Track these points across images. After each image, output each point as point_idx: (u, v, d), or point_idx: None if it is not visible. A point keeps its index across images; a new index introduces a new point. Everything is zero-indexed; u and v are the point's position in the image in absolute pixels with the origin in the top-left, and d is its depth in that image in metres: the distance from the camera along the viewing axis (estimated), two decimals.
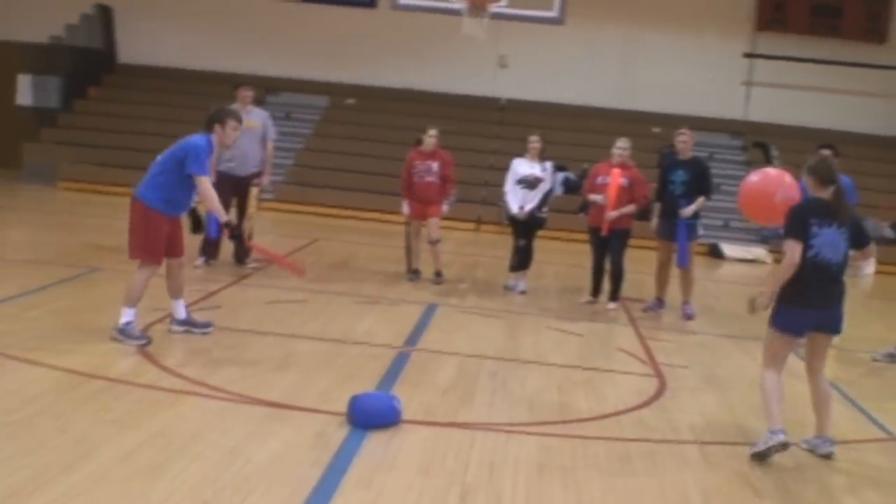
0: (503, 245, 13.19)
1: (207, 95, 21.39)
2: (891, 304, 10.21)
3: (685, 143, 10.67)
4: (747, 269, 16.95)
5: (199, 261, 11.07)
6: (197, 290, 9.76)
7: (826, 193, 6.17)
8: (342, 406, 6.08)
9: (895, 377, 9.16)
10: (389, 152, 20.31)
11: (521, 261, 11.48)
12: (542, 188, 11.23)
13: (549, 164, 11.43)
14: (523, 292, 11.36)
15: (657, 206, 10.82)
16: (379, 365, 7.50)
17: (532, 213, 11.21)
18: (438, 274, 11.65)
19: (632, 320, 10.36)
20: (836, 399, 7.88)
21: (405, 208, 11.54)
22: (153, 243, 7.65)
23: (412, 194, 11.47)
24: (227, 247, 11.27)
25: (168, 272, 7.95)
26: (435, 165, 11.46)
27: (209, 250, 11.16)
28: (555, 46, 21.98)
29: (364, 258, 13.42)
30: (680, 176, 10.60)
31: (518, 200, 11.25)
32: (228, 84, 20.36)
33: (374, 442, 5.66)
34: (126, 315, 7.44)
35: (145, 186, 7.58)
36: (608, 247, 10.75)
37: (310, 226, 16.39)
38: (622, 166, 10.70)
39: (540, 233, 11.60)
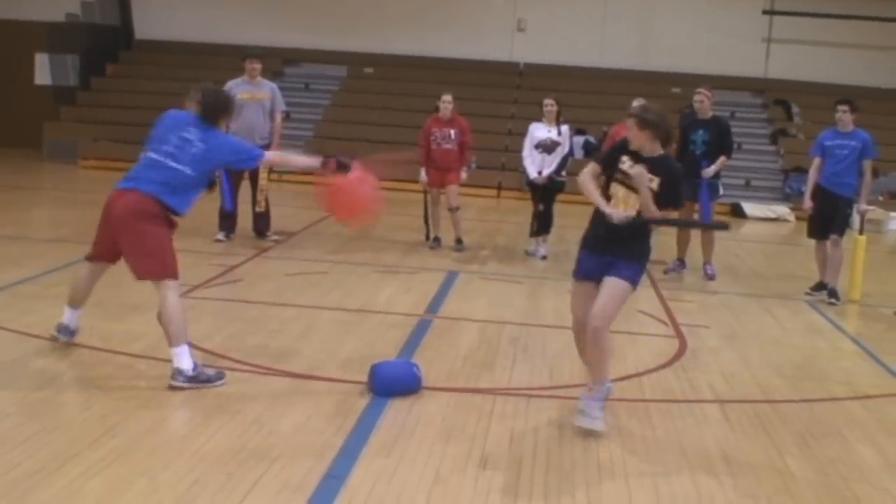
0: (524, 210, 13.19)
1: (226, 69, 21.23)
2: None
3: (703, 102, 10.61)
4: (770, 228, 16.85)
5: (221, 234, 11.15)
6: (217, 264, 9.86)
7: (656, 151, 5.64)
8: (363, 375, 6.13)
9: None
10: (409, 120, 20.26)
11: (542, 225, 11.49)
12: (560, 152, 11.20)
13: (566, 128, 11.39)
14: (544, 257, 11.37)
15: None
16: (400, 333, 7.54)
17: (551, 178, 11.19)
18: (459, 241, 11.67)
19: (653, 282, 10.34)
20: (858, 355, 7.94)
21: (423, 176, 11.54)
22: (171, 250, 6.29)
23: (431, 162, 11.49)
24: (245, 221, 11.33)
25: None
26: (453, 132, 11.45)
27: (227, 224, 11.22)
28: (572, 9, 21.86)
29: (384, 227, 13.33)
30: (700, 136, 10.56)
31: (536, 165, 11.24)
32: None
33: (395, 409, 5.70)
34: (183, 356, 5.88)
35: (167, 187, 6.08)
36: None
37: None
38: None
39: (560, 197, 11.59)
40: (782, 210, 17.66)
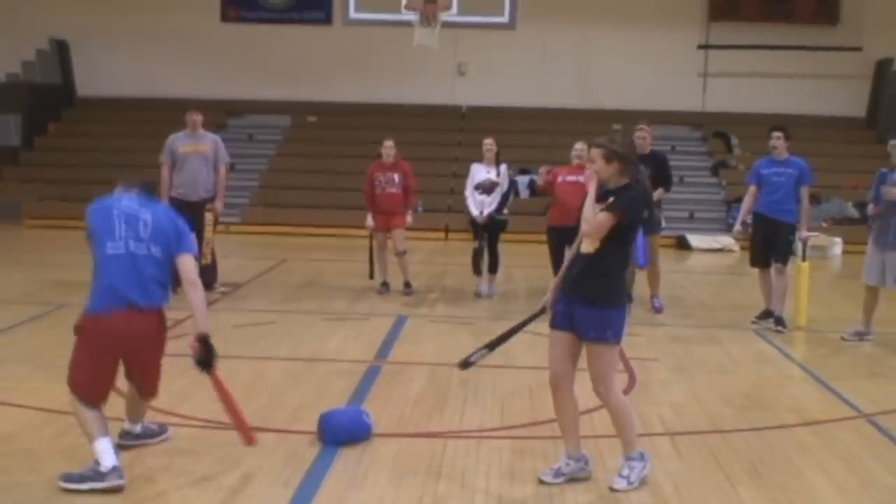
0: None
1: (169, 123, 21.26)
2: (857, 283, 10.31)
3: (644, 138, 10.74)
4: (715, 259, 17.05)
5: None
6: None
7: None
8: (312, 425, 6.09)
9: (863, 355, 9.24)
10: (354, 167, 20.21)
11: (490, 265, 11.57)
12: (499, 191, 11.36)
13: (504, 167, 11.52)
14: (490, 296, 11.45)
15: None
16: (349, 380, 7.51)
17: (492, 216, 11.30)
18: (408, 285, 11.69)
19: None
20: (806, 381, 8.03)
21: (369, 221, 11.58)
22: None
23: (376, 206, 11.53)
24: None
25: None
26: (396, 176, 11.52)
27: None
28: (511, 51, 22.09)
29: (332, 274, 13.41)
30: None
31: (477, 205, 11.37)
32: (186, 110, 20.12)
33: (346, 458, 5.68)
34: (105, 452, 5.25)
35: (149, 287, 5.75)
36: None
37: (277, 246, 16.35)
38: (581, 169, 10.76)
39: (506, 236, 11.67)
40: (727, 240, 17.86)
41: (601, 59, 22.38)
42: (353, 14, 13.60)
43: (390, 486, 5.21)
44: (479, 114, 21.92)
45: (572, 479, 5.34)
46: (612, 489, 5.23)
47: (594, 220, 5.13)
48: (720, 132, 21.64)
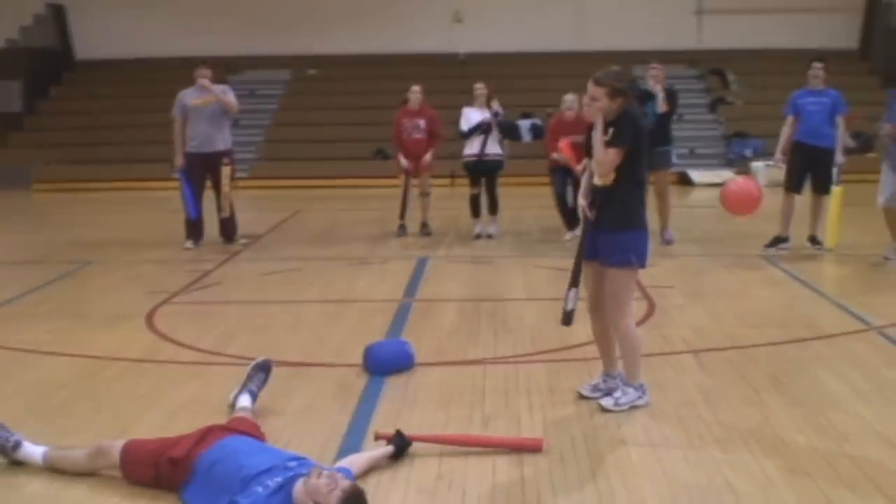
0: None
1: (169, 81, 21.38)
2: (861, 209, 10.71)
3: (656, 76, 11.01)
4: (715, 193, 17.27)
5: (189, 243, 11.35)
6: (192, 270, 10.11)
7: None
8: (357, 358, 6.43)
9: (866, 273, 9.65)
10: (358, 118, 20.63)
11: (491, 206, 11.89)
12: (495, 132, 11.64)
13: (495, 104, 11.74)
14: (490, 236, 11.77)
15: None
16: (384, 318, 7.85)
17: (494, 156, 11.67)
18: (425, 225, 12.07)
19: None
20: (816, 299, 8.39)
21: (403, 162, 11.86)
22: None
23: (403, 151, 11.83)
24: (211, 227, 11.55)
25: None
26: (422, 122, 11.86)
27: (194, 232, 11.41)
28: None
29: (347, 223, 13.73)
30: (651, 107, 10.96)
31: (476, 148, 11.61)
32: (187, 68, 20.50)
33: (393, 386, 6.02)
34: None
35: None
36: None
37: (288, 199, 16.64)
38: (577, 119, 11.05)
39: (510, 179, 11.95)
40: (727, 175, 18.11)
41: (597, 1, 22.51)
42: None
43: (440, 408, 5.54)
44: (478, 60, 22.08)
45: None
46: (600, 406, 5.49)
47: (605, 158, 5.30)
48: (716, 69, 21.85)
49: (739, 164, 18.83)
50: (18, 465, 4.80)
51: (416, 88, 11.98)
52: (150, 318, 7.92)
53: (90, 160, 19.53)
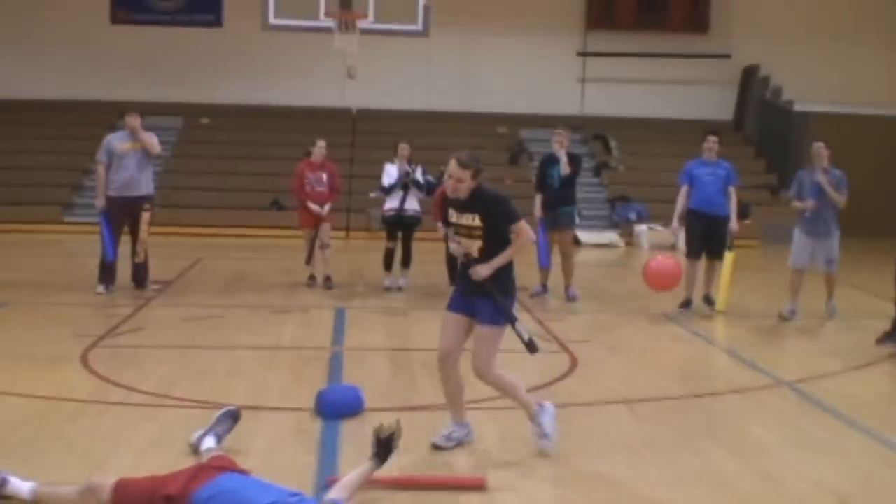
0: (376, 248, 13.67)
1: (57, 124, 21.33)
2: (743, 273, 11.48)
3: (560, 142, 11.57)
4: (604, 253, 18.11)
5: (100, 288, 11.25)
6: (111, 314, 10.11)
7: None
8: (303, 402, 6.65)
9: (764, 330, 10.34)
10: (250, 168, 20.75)
11: (404, 259, 12.20)
12: (416, 190, 11.99)
13: (419, 168, 12.15)
14: (400, 288, 12.07)
15: (539, 199, 11.72)
16: (320, 364, 8.06)
17: (413, 212, 12.01)
18: (328, 279, 12.23)
19: (523, 306, 11.17)
20: (724, 356, 8.96)
21: (315, 207, 12.06)
22: None
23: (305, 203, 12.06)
24: (123, 272, 11.51)
25: None
26: (324, 175, 12.08)
27: (108, 276, 11.35)
28: (399, 55, 22.67)
29: (255, 272, 13.84)
30: (557, 171, 11.50)
31: (395, 202, 11.97)
32: (79, 112, 20.37)
33: (349, 429, 6.23)
34: None
35: None
36: None
37: (186, 247, 16.54)
38: None
39: (420, 234, 12.35)
40: (612, 236, 19.01)
41: (485, 64, 23.25)
42: (273, 20, 13.96)
43: (405, 451, 5.73)
44: (370, 116, 22.52)
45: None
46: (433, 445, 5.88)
47: (524, 240, 5.81)
48: (599, 134, 22.76)
49: (624, 227, 19.66)
50: (5, 499, 4.85)
51: (321, 143, 12.25)
52: (84, 360, 7.93)
53: None
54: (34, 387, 7.05)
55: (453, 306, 6.03)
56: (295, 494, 4.53)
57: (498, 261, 5.79)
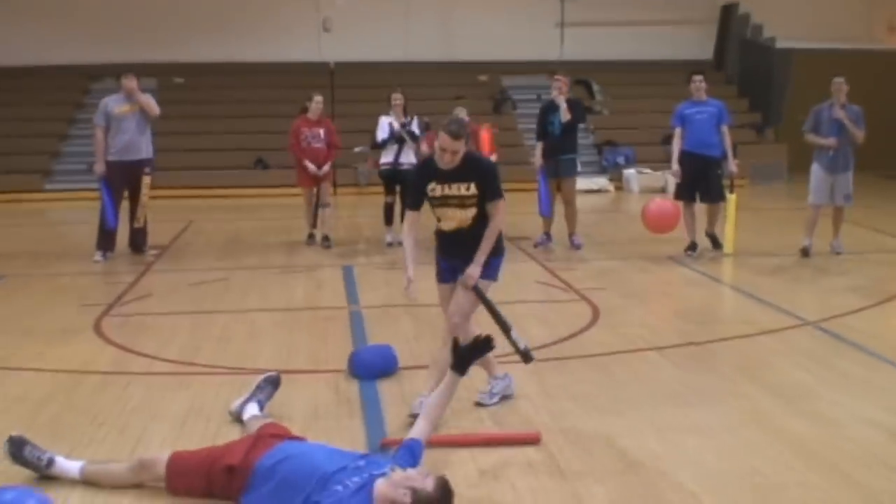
0: (366, 204, 13.53)
1: (27, 89, 20.84)
2: (760, 212, 11.42)
3: (559, 88, 11.40)
4: (596, 199, 17.94)
5: (98, 255, 11.04)
6: (115, 282, 9.93)
7: None
8: (336, 364, 6.53)
9: (769, 271, 10.22)
10: (228, 126, 20.43)
11: (403, 213, 11.99)
12: (411, 141, 11.81)
13: (415, 119, 11.95)
14: (402, 243, 11.87)
15: (540, 147, 11.58)
16: (341, 324, 7.94)
17: (409, 166, 11.74)
18: (326, 238, 12.04)
19: (530, 256, 11.10)
20: (740, 297, 8.90)
21: (311, 167, 11.80)
22: None
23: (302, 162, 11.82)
24: (122, 238, 11.31)
25: None
26: (321, 132, 11.85)
27: (107, 243, 11.13)
28: (375, 5, 22.35)
29: (250, 232, 13.63)
30: (558, 117, 11.34)
31: (391, 156, 11.77)
32: (47, 76, 19.85)
33: (388, 388, 6.14)
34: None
35: None
36: None
37: (174, 209, 16.21)
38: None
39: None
40: (603, 181, 18.90)
41: (463, 12, 22.88)
42: None
43: (449, 411, 5.62)
44: (347, 69, 22.15)
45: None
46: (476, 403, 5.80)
47: (501, 215, 5.66)
48: (582, 79, 22.53)
49: (613, 172, 19.55)
50: (52, 479, 4.71)
51: (318, 98, 12.01)
52: (98, 330, 7.76)
53: None
54: (50, 360, 6.88)
55: (444, 277, 5.99)
56: (363, 457, 4.42)
57: (481, 255, 5.68)
